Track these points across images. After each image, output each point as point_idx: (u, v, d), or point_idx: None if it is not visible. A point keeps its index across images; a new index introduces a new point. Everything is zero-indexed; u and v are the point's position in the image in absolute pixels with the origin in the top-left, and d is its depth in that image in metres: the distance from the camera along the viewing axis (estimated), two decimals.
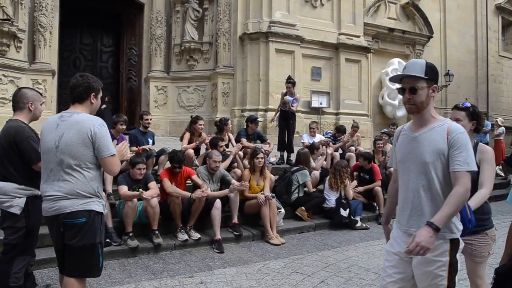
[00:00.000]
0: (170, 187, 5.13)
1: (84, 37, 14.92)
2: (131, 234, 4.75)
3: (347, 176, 6.68)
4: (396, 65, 14.35)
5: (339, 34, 12.52)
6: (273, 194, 5.98)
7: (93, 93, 2.68)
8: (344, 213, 6.29)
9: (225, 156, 6.32)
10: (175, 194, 5.06)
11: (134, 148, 5.97)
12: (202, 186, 5.28)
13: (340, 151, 8.50)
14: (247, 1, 11.71)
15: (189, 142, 6.53)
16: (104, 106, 10.70)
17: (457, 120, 2.65)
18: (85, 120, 2.55)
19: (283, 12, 11.70)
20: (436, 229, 1.91)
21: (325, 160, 7.61)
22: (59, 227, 2.55)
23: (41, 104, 3.34)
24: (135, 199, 4.78)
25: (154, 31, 12.74)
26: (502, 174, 11.40)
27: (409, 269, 2.13)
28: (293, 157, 7.60)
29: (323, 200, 6.56)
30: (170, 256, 4.74)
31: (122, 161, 5.33)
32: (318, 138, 8.33)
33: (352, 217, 6.33)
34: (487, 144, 11.90)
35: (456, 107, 2.79)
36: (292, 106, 7.76)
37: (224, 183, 5.74)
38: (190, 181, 5.52)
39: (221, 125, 7.18)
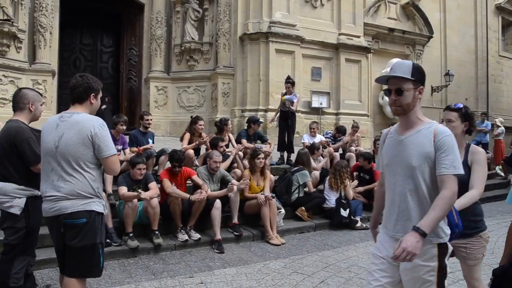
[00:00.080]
0: (169, 187, 5.13)
1: (84, 38, 14.93)
2: (131, 235, 4.75)
3: (347, 176, 6.68)
4: None
5: (339, 34, 12.53)
6: (273, 194, 5.98)
7: (93, 94, 2.69)
8: (344, 213, 6.30)
9: (225, 157, 6.33)
10: (174, 195, 5.06)
11: (135, 149, 5.97)
12: (203, 187, 5.28)
13: (340, 151, 8.51)
14: (247, 2, 11.72)
15: (189, 143, 6.53)
16: (104, 106, 10.72)
17: (449, 121, 2.64)
18: (85, 120, 2.56)
19: (283, 12, 11.70)
20: (423, 234, 1.87)
21: (325, 161, 7.61)
22: (59, 228, 2.55)
23: (41, 105, 3.35)
24: (135, 200, 4.78)
25: (154, 32, 12.74)
26: (502, 174, 11.40)
27: (397, 273, 2.09)
28: (293, 157, 7.60)
29: (323, 200, 6.56)
30: (170, 257, 4.74)
31: (122, 162, 5.36)
32: (319, 138, 8.33)
33: (352, 217, 6.33)
34: (487, 144, 12.00)
35: (448, 108, 2.74)
36: (292, 106, 7.76)
37: (224, 183, 5.74)
38: (190, 182, 5.52)
39: (221, 125, 7.19)
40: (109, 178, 5.18)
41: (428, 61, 16.15)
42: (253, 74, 11.51)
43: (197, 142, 6.54)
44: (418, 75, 2.10)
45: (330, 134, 9.14)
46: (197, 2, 12.41)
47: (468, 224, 2.48)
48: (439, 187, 1.98)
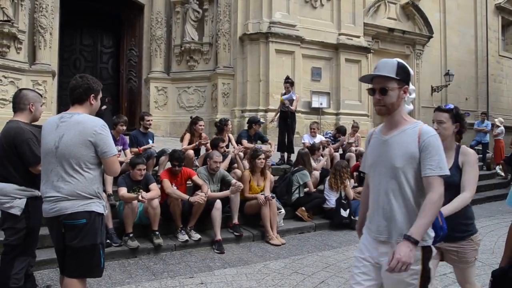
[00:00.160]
0: (169, 188, 5.13)
1: (84, 38, 14.96)
2: (131, 235, 4.75)
3: (347, 177, 6.68)
4: None
5: (339, 34, 12.54)
6: (273, 195, 5.98)
7: (93, 94, 2.69)
8: (345, 213, 6.30)
9: (224, 156, 6.33)
10: (174, 195, 5.06)
11: (135, 149, 5.97)
12: (203, 187, 5.28)
13: (340, 151, 8.51)
14: (247, 2, 11.73)
15: (190, 143, 6.54)
16: (104, 107, 10.74)
17: (440, 122, 2.59)
18: (86, 120, 2.56)
19: (283, 12, 11.71)
20: (415, 242, 1.85)
21: (326, 160, 7.61)
22: (59, 228, 2.55)
23: (41, 105, 3.35)
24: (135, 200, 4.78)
25: (154, 32, 12.75)
26: (502, 174, 11.41)
27: (380, 276, 2.04)
28: (293, 157, 7.60)
29: (324, 201, 6.56)
30: (171, 257, 4.74)
31: (122, 162, 5.37)
32: (319, 138, 8.34)
33: (352, 217, 6.33)
34: (487, 144, 11.98)
35: (439, 109, 2.68)
36: (291, 105, 7.76)
37: (224, 183, 5.74)
38: (190, 182, 5.52)
39: (221, 126, 7.19)
40: (109, 179, 5.19)
41: (428, 61, 16.16)
42: (253, 75, 11.52)
43: (197, 143, 6.54)
44: (403, 74, 2.05)
45: (330, 134, 9.15)
46: (197, 2, 12.42)
47: (459, 227, 2.47)
48: (425, 188, 1.95)
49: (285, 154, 8.02)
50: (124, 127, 6.08)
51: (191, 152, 6.30)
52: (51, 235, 2.73)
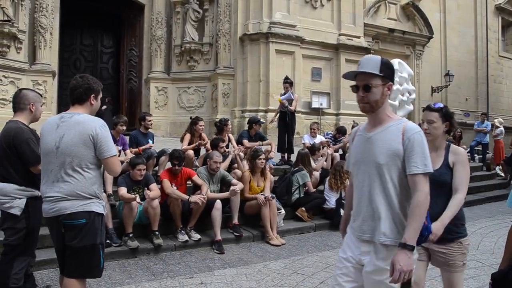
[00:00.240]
0: (169, 188, 5.13)
1: (85, 38, 14.96)
2: (131, 235, 4.75)
3: (347, 177, 6.67)
4: (396, 66, 14.27)
5: (339, 34, 12.54)
6: (273, 195, 5.98)
7: (93, 94, 2.69)
8: None
9: (224, 157, 6.33)
10: (173, 196, 5.06)
11: (135, 149, 5.97)
12: (203, 188, 5.28)
13: (341, 151, 8.51)
14: (247, 2, 11.73)
15: (189, 143, 6.54)
16: (104, 107, 10.73)
17: (430, 122, 2.56)
18: (86, 121, 2.56)
19: (283, 13, 11.71)
20: (412, 248, 1.83)
21: (326, 161, 7.61)
22: (59, 228, 2.55)
23: (41, 105, 3.35)
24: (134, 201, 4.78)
25: (154, 32, 12.75)
26: (502, 174, 11.42)
27: (361, 277, 2.01)
28: (293, 157, 7.59)
29: (324, 201, 6.56)
30: (170, 257, 4.74)
31: (122, 162, 5.36)
32: (319, 139, 8.33)
33: None
34: (487, 144, 11.98)
35: (429, 108, 2.63)
36: (291, 105, 7.75)
37: (224, 183, 5.74)
38: (190, 182, 5.52)
39: (221, 126, 7.19)
40: (109, 179, 5.19)
41: (428, 61, 16.17)
42: (253, 75, 11.51)
43: (197, 143, 6.54)
44: (387, 70, 2.01)
45: (331, 135, 9.14)
46: (197, 2, 12.42)
47: (450, 228, 2.43)
48: (410, 187, 1.92)
49: (286, 155, 8.01)
50: (124, 127, 6.09)
51: (191, 152, 6.30)
52: (51, 235, 2.73)
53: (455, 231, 2.51)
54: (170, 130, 12.39)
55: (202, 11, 12.48)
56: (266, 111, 11.05)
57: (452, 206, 2.43)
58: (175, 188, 5.20)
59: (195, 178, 5.42)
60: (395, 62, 14.48)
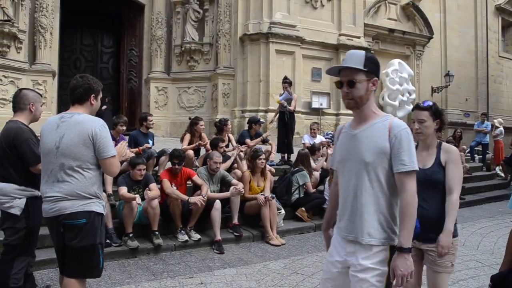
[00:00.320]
0: (169, 188, 5.13)
1: (85, 38, 14.96)
2: (131, 235, 4.75)
3: None
4: (396, 66, 14.35)
5: (339, 35, 12.53)
6: (273, 195, 5.98)
7: (93, 94, 2.69)
8: None
9: (226, 157, 6.33)
10: (173, 196, 5.06)
11: (135, 150, 5.97)
12: (203, 188, 5.28)
13: None
14: (248, 2, 11.72)
15: (189, 143, 6.54)
16: (104, 107, 10.72)
17: (421, 121, 2.51)
18: (86, 120, 2.56)
19: (284, 13, 11.71)
20: (408, 250, 1.82)
21: (326, 161, 7.61)
22: (59, 228, 2.55)
23: (41, 105, 3.35)
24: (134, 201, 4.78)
25: (154, 32, 12.74)
26: (502, 175, 11.42)
27: (348, 280, 1.95)
28: (293, 157, 7.60)
29: (323, 201, 6.55)
30: (170, 257, 4.74)
31: (122, 162, 5.36)
32: (319, 139, 8.34)
33: None
34: (487, 145, 11.99)
35: (418, 107, 2.57)
36: (290, 105, 7.75)
37: (224, 183, 5.75)
38: (190, 182, 5.52)
39: (220, 126, 7.20)
40: (109, 179, 5.19)
41: (428, 61, 16.16)
42: (253, 75, 11.51)
43: (197, 143, 6.54)
44: (371, 65, 1.95)
45: (331, 135, 9.14)
46: (198, 2, 12.41)
47: (439, 228, 2.41)
48: (397, 186, 1.89)
49: (286, 155, 8.02)
50: (124, 127, 6.08)
51: (191, 152, 6.30)
52: (51, 235, 2.73)
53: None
54: (170, 130, 12.38)
55: (202, 11, 12.47)
56: (266, 111, 11.05)
57: (451, 211, 2.42)
58: (175, 188, 5.21)
59: (195, 178, 5.42)
60: (395, 62, 14.54)
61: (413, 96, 14.21)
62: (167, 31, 12.87)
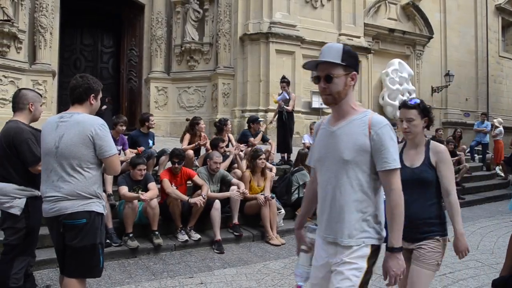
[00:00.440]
0: (169, 187, 5.13)
1: (85, 38, 14.96)
2: (131, 235, 4.75)
3: None
4: (396, 66, 14.36)
5: (340, 34, 12.54)
6: (273, 195, 5.98)
7: (93, 94, 2.69)
8: None
9: (225, 157, 6.33)
10: (173, 195, 5.06)
11: (134, 150, 5.97)
12: (203, 188, 5.28)
13: None
14: (248, 2, 11.73)
15: (190, 143, 6.54)
16: (104, 107, 10.73)
17: (410, 120, 2.44)
18: (86, 120, 2.56)
19: (284, 13, 11.71)
20: (399, 249, 1.80)
21: None
22: (59, 228, 2.55)
23: (41, 105, 3.35)
24: (135, 200, 4.78)
25: (154, 32, 12.74)
26: (502, 175, 11.42)
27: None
28: (293, 157, 7.60)
29: None
30: (170, 257, 4.74)
31: (122, 162, 5.37)
32: None
33: None
34: (487, 144, 11.99)
35: (406, 106, 2.47)
36: (287, 105, 7.75)
37: (224, 183, 5.75)
38: (190, 182, 5.52)
39: (220, 126, 7.19)
40: (109, 179, 5.18)
41: (429, 61, 16.17)
42: (253, 75, 11.52)
43: (197, 143, 6.54)
44: (349, 59, 1.86)
45: None
46: (198, 2, 12.42)
47: (422, 227, 2.37)
48: (382, 184, 1.84)
49: (285, 155, 8.02)
50: (124, 127, 6.07)
51: (191, 152, 6.30)
52: (51, 235, 2.73)
53: (432, 230, 2.40)
54: (170, 130, 12.39)
55: (202, 11, 12.48)
56: (266, 111, 11.05)
57: (455, 212, 2.39)
58: (175, 188, 5.21)
59: (196, 178, 5.42)
60: (395, 62, 14.55)
61: (413, 96, 14.21)
62: (167, 31, 12.87)
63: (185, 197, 5.12)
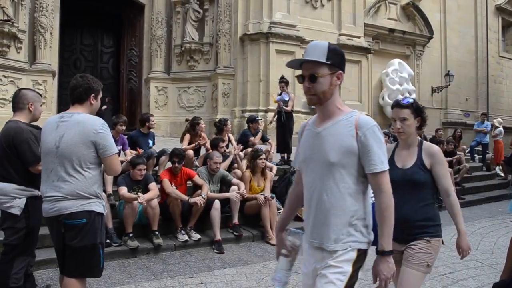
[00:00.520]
0: (169, 187, 5.13)
1: (85, 38, 14.96)
2: (131, 235, 4.75)
3: None
4: (396, 66, 14.36)
5: (340, 34, 12.54)
6: (273, 195, 5.98)
7: (93, 94, 2.69)
8: None
9: (225, 157, 6.33)
10: (173, 195, 5.06)
11: (134, 151, 5.97)
12: (203, 188, 5.28)
13: None
14: (248, 2, 11.72)
15: (190, 143, 6.54)
16: (104, 107, 10.73)
17: (403, 120, 2.40)
18: (86, 120, 2.56)
19: (284, 13, 11.71)
20: (390, 252, 1.77)
21: None
22: (59, 228, 2.55)
23: (40, 105, 3.35)
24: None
25: (154, 32, 12.74)
26: (502, 175, 11.42)
27: None
28: (292, 157, 7.59)
29: None
30: (170, 257, 4.74)
31: (122, 162, 5.37)
32: None
33: None
34: (487, 144, 11.99)
35: (398, 105, 2.43)
36: (286, 106, 7.75)
37: (224, 183, 5.75)
38: (190, 182, 5.52)
39: (220, 126, 7.20)
40: (109, 179, 5.18)
41: (428, 61, 16.17)
42: (253, 75, 11.52)
43: (197, 143, 6.54)
44: (335, 58, 1.81)
45: None
46: (198, 2, 12.41)
47: (417, 227, 2.34)
48: (372, 187, 1.79)
49: (285, 155, 8.02)
50: (124, 127, 6.07)
51: (191, 152, 6.30)
52: (51, 234, 2.73)
53: (423, 231, 2.36)
54: (170, 130, 12.38)
55: (202, 11, 12.48)
56: (266, 111, 11.05)
57: (456, 212, 2.39)
58: (175, 187, 5.21)
59: (196, 178, 5.42)
60: (395, 63, 14.55)
61: (413, 96, 14.20)
62: (167, 31, 12.87)
63: (185, 197, 5.12)
